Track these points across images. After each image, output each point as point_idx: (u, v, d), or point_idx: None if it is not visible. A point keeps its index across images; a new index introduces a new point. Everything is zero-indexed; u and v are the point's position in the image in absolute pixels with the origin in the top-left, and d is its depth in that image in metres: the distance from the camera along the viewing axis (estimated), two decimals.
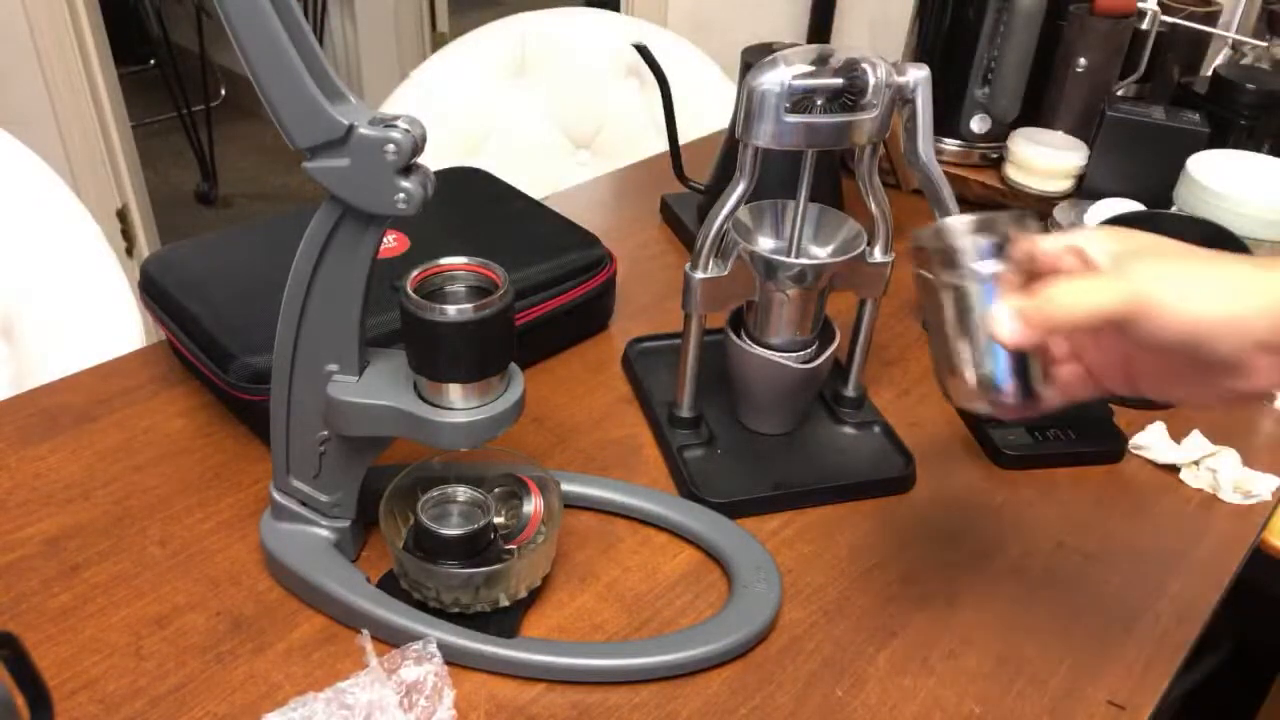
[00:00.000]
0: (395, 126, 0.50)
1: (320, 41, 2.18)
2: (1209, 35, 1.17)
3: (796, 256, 0.70)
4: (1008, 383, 0.49)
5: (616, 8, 2.26)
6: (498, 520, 0.64)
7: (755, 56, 0.88)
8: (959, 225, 0.50)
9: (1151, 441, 0.79)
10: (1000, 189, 1.13)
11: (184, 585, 0.64)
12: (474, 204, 0.94)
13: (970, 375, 0.50)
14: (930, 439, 0.81)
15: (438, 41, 3.31)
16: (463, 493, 0.64)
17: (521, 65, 1.51)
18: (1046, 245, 0.47)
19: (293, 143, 0.51)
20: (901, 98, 0.65)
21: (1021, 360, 0.49)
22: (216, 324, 0.74)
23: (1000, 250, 0.49)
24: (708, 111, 1.38)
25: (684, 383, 0.76)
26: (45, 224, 1.01)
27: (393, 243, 0.83)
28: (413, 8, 3.19)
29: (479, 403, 0.57)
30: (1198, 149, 0.99)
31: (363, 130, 0.50)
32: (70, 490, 0.71)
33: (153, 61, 3.25)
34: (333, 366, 0.58)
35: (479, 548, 0.61)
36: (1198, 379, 0.45)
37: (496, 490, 0.65)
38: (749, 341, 0.75)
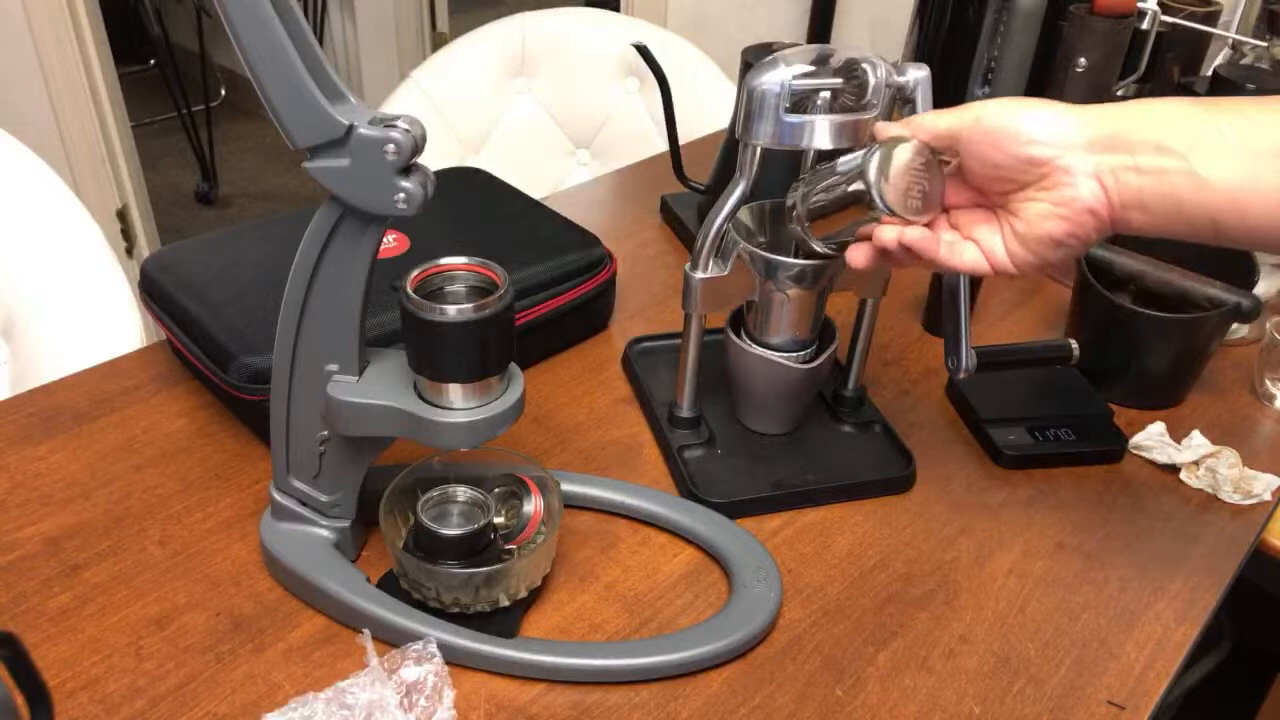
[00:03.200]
0: (395, 126, 0.50)
1: (320, 41, 2.18)
2: (1209, 35, 1.16)
3: (796, 256, 0.70)
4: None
5: (616, 8, 2.26)
6: (498, 520, 0.64)
7: (755, 56, 0.88)
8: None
9: (1151, 441, 0.79)
10: None
11: (184, 585, 0.64)
12: (474, 204, 0.94)
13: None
14: (930, 439, 0.81)
15: (438, 41, 3.31)
16: (463, 493, 0.64)
17: (521, 65, 1.51)
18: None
19: (293, 143, 0.51)
20: (901, 98, 0.65)
21: None
22: (216, 324, 0.74)
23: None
24: (708, 111, 1.38)
25: (684, 383, 0.76)
26: (45, 224, 1.00)
27: (393, 243, 0.83)
28: (413, 8, 3.19)
29: (479, 403, 0.57)
30: None
31: (363, 130, 0.50)
32: (70, 490, 0.71)
33: (153, 61, 3.25)
34: (333, 366, 0.58)
35: (479, 548, 0.61)
36: (1022, 178, 0.56)
37: (496, 490, 0.65)
38: (749, 341, 0.75)
